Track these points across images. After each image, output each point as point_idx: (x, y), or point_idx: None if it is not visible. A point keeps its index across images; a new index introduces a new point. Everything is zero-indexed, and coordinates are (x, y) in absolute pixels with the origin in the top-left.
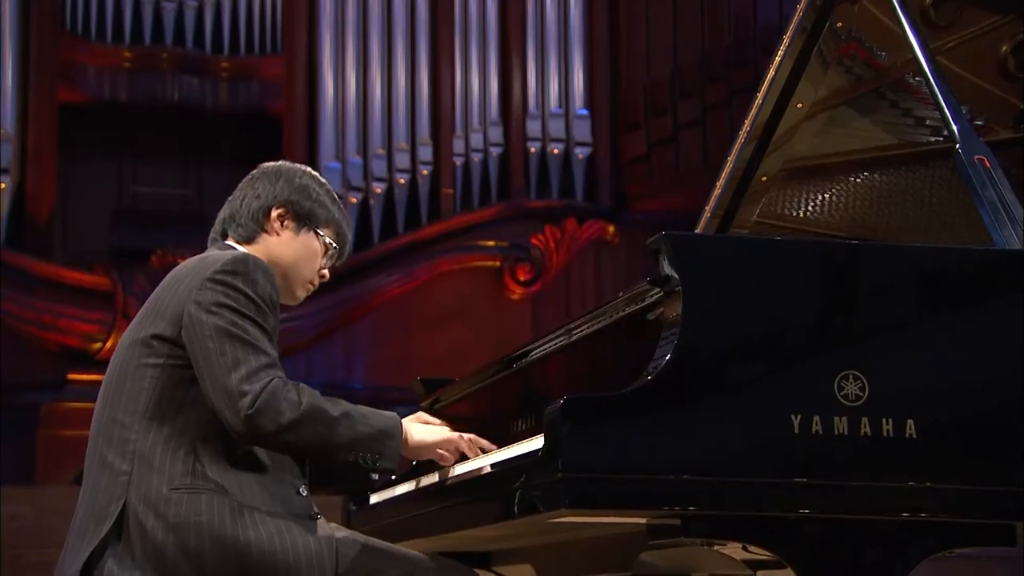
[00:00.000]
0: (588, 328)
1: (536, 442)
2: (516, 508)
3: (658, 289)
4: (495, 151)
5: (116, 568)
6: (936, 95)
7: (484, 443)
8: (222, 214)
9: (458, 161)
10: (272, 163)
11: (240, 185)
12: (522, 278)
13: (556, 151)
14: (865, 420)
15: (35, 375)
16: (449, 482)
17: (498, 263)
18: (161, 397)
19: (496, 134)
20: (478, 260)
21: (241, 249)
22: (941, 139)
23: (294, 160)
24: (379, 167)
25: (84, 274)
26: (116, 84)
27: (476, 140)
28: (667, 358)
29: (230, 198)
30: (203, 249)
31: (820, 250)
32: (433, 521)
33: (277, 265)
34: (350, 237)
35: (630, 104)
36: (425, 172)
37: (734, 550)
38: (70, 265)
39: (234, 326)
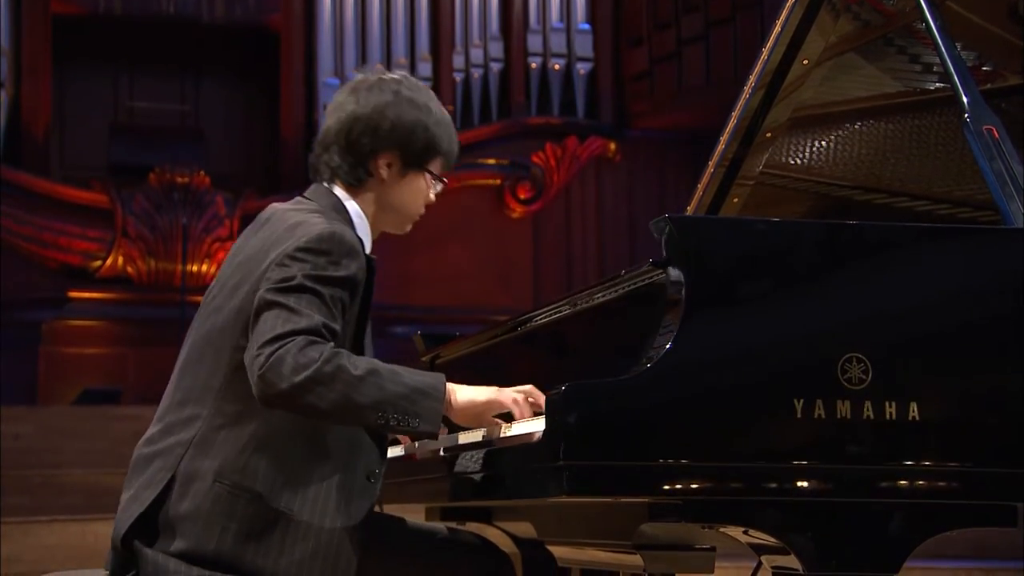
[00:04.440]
0: (592, 300)
1: (536, 423)
2: (516, 489)
3: (660, 270)
4: (495, 67)
5: (145, 545)
6: (946, 63)
7: (542, 400)
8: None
9: (458, 77)
10: (375, 79)
11: (337, 104)
12: (523, 196)
13: (557, 67)
14: (868, 403)
15: (36, 292)
16: (450, 453)
17: (498, 181)
18: (234, 379)
19: (496, 49)
20: (478, 178)
21: (350, 202)
22: (949, 85)
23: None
24: None
25: (82, 191)
26: None
27: (476, 55)
28: (668, 344)
29: (328, 126)
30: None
31: (823, 231)
32: (431, 488)
33: (386, 209)
34: (456, 149)
35: (632, 18)
36: None
37: (736, 533)
38: (68, 182)
39: (288, 297)
